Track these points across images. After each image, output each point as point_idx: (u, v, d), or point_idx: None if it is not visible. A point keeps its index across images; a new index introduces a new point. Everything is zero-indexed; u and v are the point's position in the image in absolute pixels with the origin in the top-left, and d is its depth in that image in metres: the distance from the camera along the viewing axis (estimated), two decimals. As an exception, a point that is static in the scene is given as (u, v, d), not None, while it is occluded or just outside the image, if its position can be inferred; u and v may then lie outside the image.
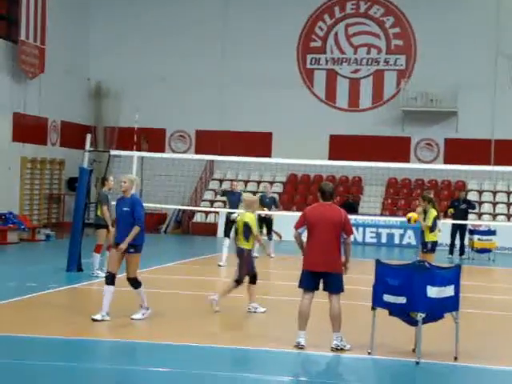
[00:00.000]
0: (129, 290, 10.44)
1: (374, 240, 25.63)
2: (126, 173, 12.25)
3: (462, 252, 21.71)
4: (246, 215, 11.25)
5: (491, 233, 21.43)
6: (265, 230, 19.87)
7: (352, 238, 9.30)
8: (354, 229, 14.76)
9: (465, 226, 21.42)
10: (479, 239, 21.40)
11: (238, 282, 11.17)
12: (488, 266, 20.43)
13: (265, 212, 19.30)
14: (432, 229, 13.88)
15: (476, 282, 16.11)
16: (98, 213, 14.51)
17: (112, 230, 14.10)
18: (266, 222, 19.92)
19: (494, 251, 21.35)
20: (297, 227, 9.20)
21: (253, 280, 11.29)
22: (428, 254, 13.65)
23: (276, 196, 21.08)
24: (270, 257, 19.35)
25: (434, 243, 14.02)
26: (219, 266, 17.12)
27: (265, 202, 19.64)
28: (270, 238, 19.96)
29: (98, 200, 14.68)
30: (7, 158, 24.16)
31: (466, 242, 21.81)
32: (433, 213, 13.80)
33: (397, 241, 25.47)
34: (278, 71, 29.39)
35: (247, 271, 11.19)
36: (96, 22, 30.25)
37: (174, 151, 29.72)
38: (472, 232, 21.58)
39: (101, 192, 14.70)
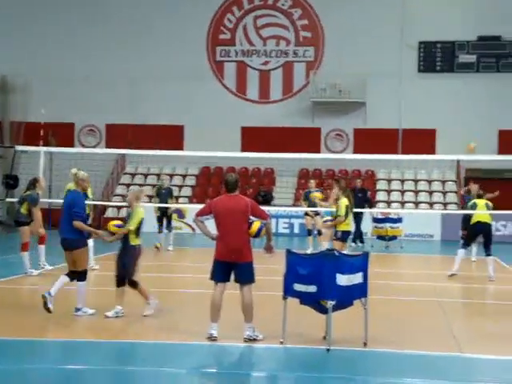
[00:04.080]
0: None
1: (287, 231, 25.89)
2: (32, 169, 12.00)
3: (361, 240, 22.08)
4: (141, 210, 10.40)
5: (398, 220, 21.94)
6: (164, 223, 19.81)
7: (269, 220, 9.27)
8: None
9: (361, 214, 21.64)
10: (383, 227, 21.87)
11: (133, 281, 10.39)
12: (396, 253, 20.89)
13: (161, 205, 19.36)
14: (345, 217, 13.97)
15: (384, 269, 16.45)
16: (22, 210, 14.20)
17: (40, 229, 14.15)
18: (165, 215, 19.83)
19: (400, 238, 21.93)
20: (198, 214, 9.25)
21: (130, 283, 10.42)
22: (337, 242, 13.79)
23: (172, 188, 21.10)
24: (168, 250, 19.42)
25: (346, 232, 14.11)
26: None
27: (161, 195, 19.62)
28: (169, 230, 19.88)
29: (23, 198, 14.32)
30: None
31: (369, 229, 22.28)
32: (344, 201, 13.89)
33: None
34: (187, 63, 29.29)
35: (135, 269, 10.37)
36: (1, 14, 29.46)
37: (83, 146, 29.28)
38: (379, 220, 22.04)
39: (33, 194, 14.31)
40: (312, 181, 20.28)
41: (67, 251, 10.41)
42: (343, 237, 13.92)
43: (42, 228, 14.63)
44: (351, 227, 14.59)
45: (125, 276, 10.27)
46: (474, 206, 15.61)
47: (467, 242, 15.73)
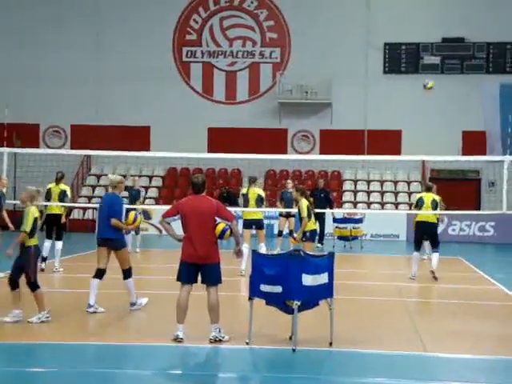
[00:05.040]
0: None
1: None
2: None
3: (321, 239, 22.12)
4: (33, 209, 10.07)
5: (359, 221, 22.08)
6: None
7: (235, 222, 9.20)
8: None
9: (323, 215, 21.67)
10: (347, 227, 21.96)
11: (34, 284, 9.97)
12: (359, 253, 21.01)
13: (135, 206, 19.14)
14: (308, 217, 14.02)
15: (349, 269, 16.54)
16: None
17: None
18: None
19: (360, 238, 22.07)
20: (165, 216, 9.21)
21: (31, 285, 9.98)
22: (307, 243, 13.84)
23: (140, 189, 20.79)
24: (135, 252, 19.25)
25: (314, 231, 14.19)
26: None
27: (132, 195, 19.44)
28: (136, 233, 19.52)
29: None
30: None
31: (330, 229, 22.36)
32: (304, 202, 13.95)
33: (276, 231, 25.78)
34: (154, 64, 29.21)
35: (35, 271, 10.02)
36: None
37: (48, 147, 29.05)
38: (341, 221, 22.12)
39: None
40: (289, 181, 20.18)
41: (114, 251, 10.83)
42: (312, 236, 14.06)
43: None
44: (317, 226, 14.70)
45: (16, 279, 9.90)
46: (420, 201, 14.90)
47: (417, 245, 15.30)
